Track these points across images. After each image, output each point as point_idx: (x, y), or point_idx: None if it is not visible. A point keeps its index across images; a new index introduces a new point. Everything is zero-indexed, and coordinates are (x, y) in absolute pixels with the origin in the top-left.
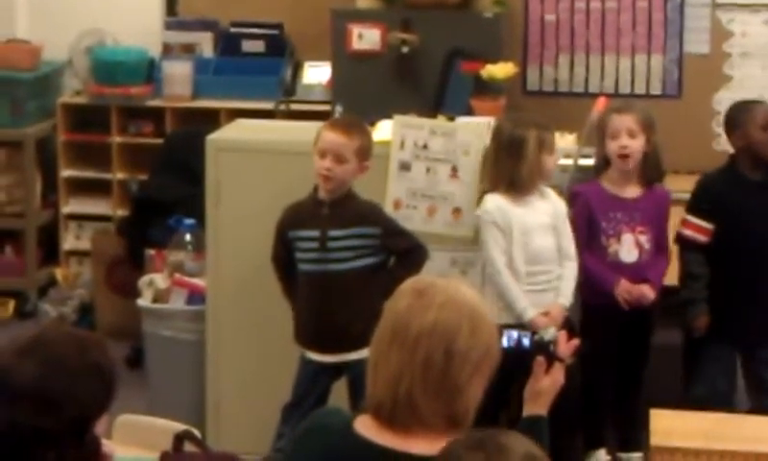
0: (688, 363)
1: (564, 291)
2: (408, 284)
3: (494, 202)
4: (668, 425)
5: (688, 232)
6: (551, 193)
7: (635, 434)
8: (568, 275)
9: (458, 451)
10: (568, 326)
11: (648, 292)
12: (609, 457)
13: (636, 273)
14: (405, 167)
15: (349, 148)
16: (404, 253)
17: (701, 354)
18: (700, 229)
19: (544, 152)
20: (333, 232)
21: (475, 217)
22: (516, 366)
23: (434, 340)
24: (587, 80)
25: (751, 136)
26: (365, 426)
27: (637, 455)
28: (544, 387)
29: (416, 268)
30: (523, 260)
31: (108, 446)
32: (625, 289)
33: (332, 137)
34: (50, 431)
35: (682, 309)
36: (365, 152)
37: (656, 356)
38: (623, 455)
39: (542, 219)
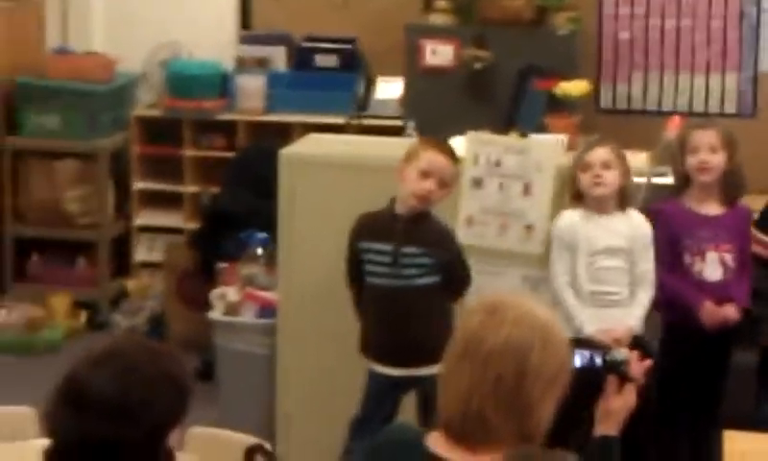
0: (763, 383)
1: (635, 313)
2: (480, 301)
3: (567, 218)
4: (743, 448)
5: (756, 249)
6: (635, 215)
7: (710, 455)
8: (642, 300)
9: None
10: (640, 346)
11: (732, 313)
12: None
13: (721, 291)
14: (478, 184)
15: (454, 175)
16: (459, 279)
17: None
18: (766, 244)
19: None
20: (407, 249)
21: (547, 235)
22: (588, 386)
23: (506, 357)
24: (660, 98)
25: None
26: (435, 443)
27: None
28: (616, 407)
29: (461, 296)
30: (587, 279)
31: (181, 457)
32: (711, 313)
33: (441, 161)
34: (127, 441)
35: (753, 327)
36: (458, 179)
37: (731, 376)
38: None
39: (614, 240)
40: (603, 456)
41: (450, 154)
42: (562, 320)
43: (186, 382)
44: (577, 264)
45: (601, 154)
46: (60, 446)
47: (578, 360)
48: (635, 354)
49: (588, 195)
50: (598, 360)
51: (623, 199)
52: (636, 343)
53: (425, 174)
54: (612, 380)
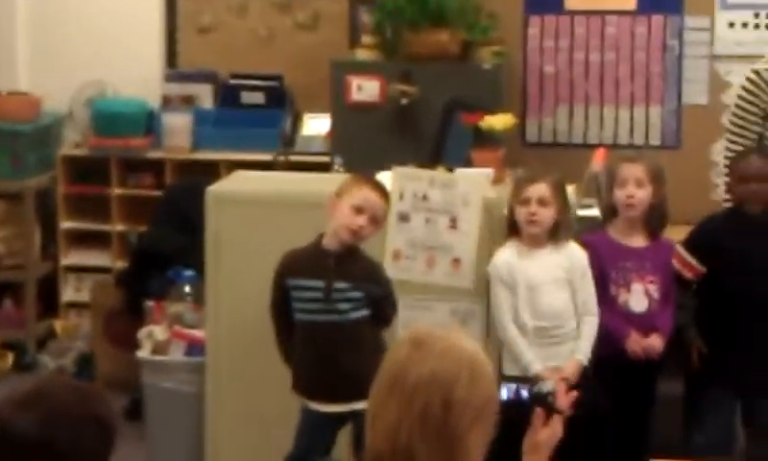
0: (689, 411)
1: (582, 347)
2: (407, 334)
3: (502, 256)
4: None
5: (682, 270)
6: (570, 246)
7: None
8: (587, 331)
9: None
10: (586, 379)
11: (657, 344)
12: None
13: (646, 322)
14: (404, 218)
15: (385, 212)
16: (388, 313)
17: (701, 402)
18: (688, 265)
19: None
20: (339, 284)
21: (474, 268)
22: (515, 419)
23: (432, 389)
24: (586, 131)
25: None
26: None
27: None
28: (543, 439)
29: (388, 327)
30: (530, 315)
31: None
32: (636, 342)
33: (375, 199)
34: None
35: (678, 348)
36: (387, 216)
37: (658, 406)
38: None
39: (554, 273)
40: None
41: (383, 192)
42: (509, 359)
43: (112, 422)
44: (519, 300)
45: (538, 189)
46: None
47: (505, 393)
48: (561, 385)
49: (523, 230)
50: (524, 392)
51: (558, 232)
52: (583, 376)
53: (359, 210)
54: (538, 412)
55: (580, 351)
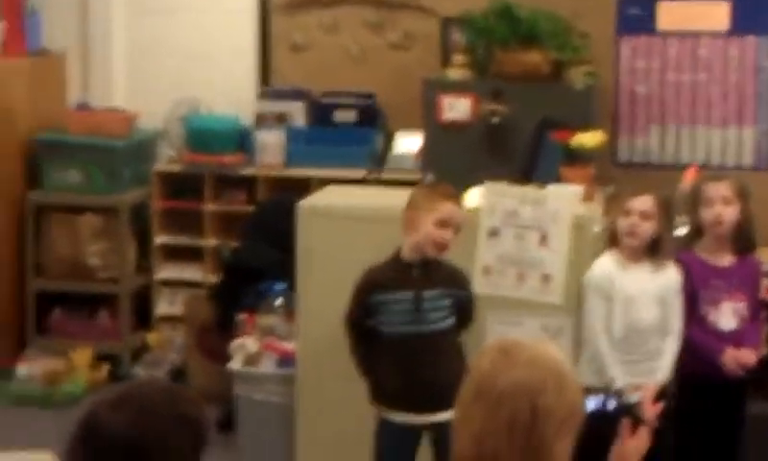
0: None
1: (662, 367)
2: (493, 343)
3: (601, 266)
4: None
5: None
6: (669, 265)
7: None
8: (668, 350)
9: None
10: (666, 396)
11: (751, 358)
12: None
13: (736, 340)
14: (495, 233)
15: (464, 219)
16: (471, 316)
17: None
18: None
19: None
20: (427, 293)
21: (564, 284)
22: (601, 430)
23: (519, 397)
24: (677, 151)
25: None
26: None
27: None
28: (629, 450)
29: (470, 326)
30: (622, 328)
31: None
32: (731, 357)
33: (455, 210)
34: None
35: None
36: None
37: (752, 427)
38: None
39: (650, 288)
40: None
41: (461, 201)
42: (593, 371)
43: (203, 423)
44: (613, 312)
45: (642, 202)
46: None
47: (591, 404)
48: (648, 397)
49: (622, 242)
50: (611, 403)
51: (657, 249)
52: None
53: (444, 223)
54: (625, 423)
55: (661, 369)
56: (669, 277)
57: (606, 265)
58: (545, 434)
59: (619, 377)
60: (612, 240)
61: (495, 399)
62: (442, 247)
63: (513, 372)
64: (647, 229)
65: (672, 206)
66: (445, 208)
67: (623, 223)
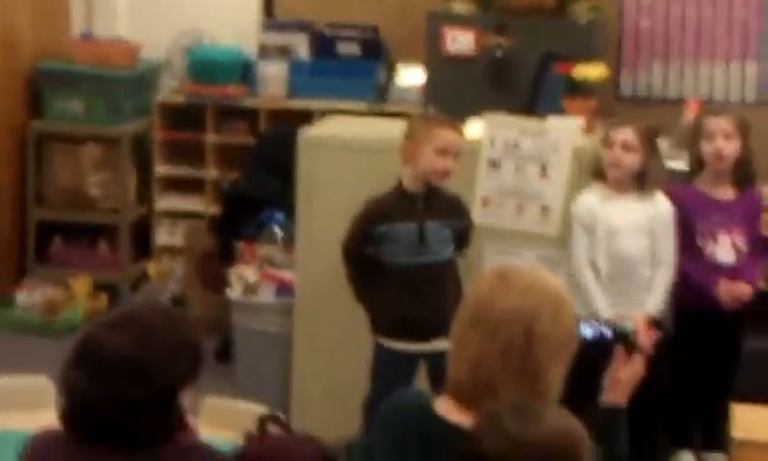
0: None
1: (653, 299)
2: (491, 269)
3: (585, 199)
4: (752, 420)
5: None
6: (658, 196)
7: (720, 434)
8: (660, 282)
9: (499, 413)
10: (657, 325)
11: (746, 291)
12: (694, 458)
13: (733, 274)
14: (495, 165)
15: (463, 145)
16: (469, 241)
17: None
18: None
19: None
20: (430, 224)
21: (562, 216)
22: (596, 356)
23: (515, 322)
24: (680, 86)
25: None
26: (444, 407)
27: (722, 456)
28: (624, 377)
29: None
30: (606, 259)
31: (192, 419)
32: (726, 289)
33: (453, 137)
34: (138, 400)
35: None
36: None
37: (748, 362)
38: (707, 455)
39: (636, 220)
40: (609, 424)
41: (458, 128)
42: (580, 303)
43: (199, 344)
44: (596, 244)
45: (623, 134)
46: (74, 406)
47: (588, 331)
48: (643, 325)
49: (607, 174)
50: (607, 331)
51: (643, 180)
52: (657, 324)
53: (443, 152)
54: (620, 350)
55: (651, 302)
56: (658, 208)
57: (589, 198)
58: (540, 359)
59: (604, 309)
60: (597, 172)
61: (492, 324)
62: (444, 175)
63: (510, 297)
64: (630, 160)
65: (656, 137)
66: (443, 136)
67: (606, 155)
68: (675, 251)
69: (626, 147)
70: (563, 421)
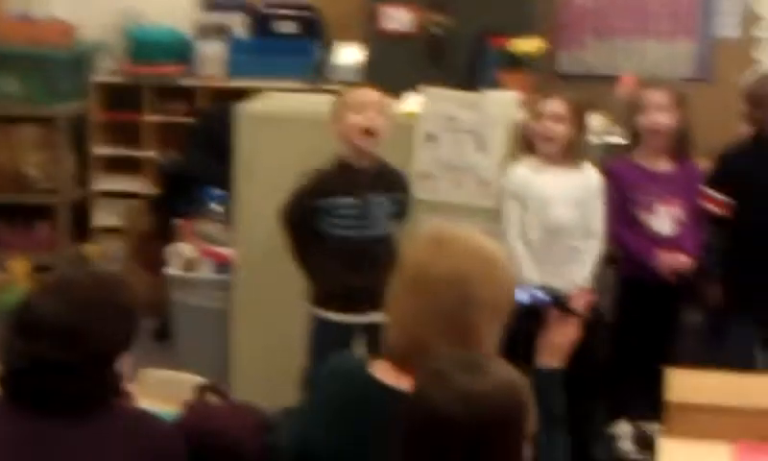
0: (710, 340)
1: (582, 270)
2: (427, 232)
3: (516, 171)
4: (686, 383)
5: (708, 205)
6: (588, 167)
7: (659, 404)
8: (589, 253)
9: (444, 369)
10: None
11: (684, 261)
12: (631, 427)
13: (673, 245)
14: (432, 138)
15: (386, 102)
16: (408, 210)
17: (722, 332)
18: (716, 201)
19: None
20: (375, 199)
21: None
22: (531, 320)
23: (451, 286)
24: (618, 63)
25: None
26: (381, 370)
27: (659, 426)
28: (558, 340)
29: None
30: (537, 229)
31: (130, 387)
32: (665, 260)
33: (369, 93)
34: (72, 364)
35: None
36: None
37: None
38: (645, 425)
39: (567, 190)
40: (545, 387)
41: (371, 87)
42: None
43: (132, 309)
44: (527, 214)
45: (552, 105)
46: (13, 371)
47: (523, 295)
48: (578, 289)
49: (537, 146)
50: (541, 295)
51: (573, 152)
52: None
53: (360, 108)
54: (554, 313)
55: (580, 274)
56: (588, 179)
57: (520, 170)
58: (475, 322)
59: (534, 279)
60: (527, 144)
61: (428, 287)
62: (369, 132)
63: (444, 261)
64: (561, 131)
65: (586, 111)
66: (358, 94)
67: (537, 127)
68: (604, 221)
69: (556, 118)
70: (508, 371)
